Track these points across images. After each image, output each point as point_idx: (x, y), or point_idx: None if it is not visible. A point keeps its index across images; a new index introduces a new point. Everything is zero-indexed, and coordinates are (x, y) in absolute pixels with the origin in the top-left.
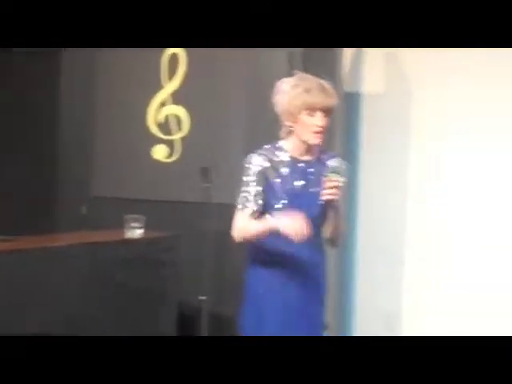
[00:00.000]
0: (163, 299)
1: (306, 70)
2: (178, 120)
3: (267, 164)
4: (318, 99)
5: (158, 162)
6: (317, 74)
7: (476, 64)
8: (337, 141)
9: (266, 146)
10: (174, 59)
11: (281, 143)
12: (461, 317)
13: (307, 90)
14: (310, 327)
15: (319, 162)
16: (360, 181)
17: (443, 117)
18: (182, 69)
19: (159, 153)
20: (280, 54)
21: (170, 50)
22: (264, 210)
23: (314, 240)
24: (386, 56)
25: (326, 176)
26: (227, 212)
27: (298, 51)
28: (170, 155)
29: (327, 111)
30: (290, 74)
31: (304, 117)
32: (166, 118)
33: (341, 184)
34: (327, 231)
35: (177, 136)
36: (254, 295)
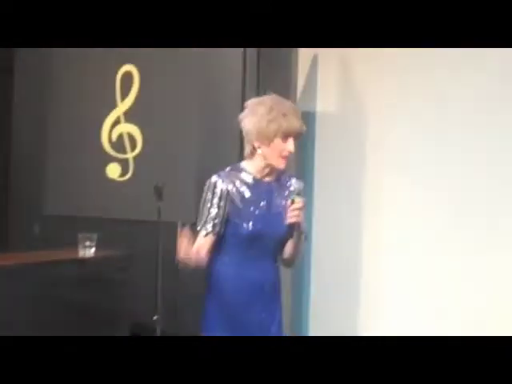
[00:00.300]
0: (116, 319)
1: (259, 88)
2: (132, 138)
3: (231, 187)
4: (294, 125)
5: (111, 181)
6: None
7: (435, 83)
8: (291, 158)
9: (227, 169)
10: (127, 77)
11: (243, 164)
12: (417, 328)
13: (284, 115)
14: None
15: (279, 183)
16: (314, 196)
17: (398, 134)
18: (135, 87)
19: (113, 171)
20: (233, 69)
21: (124, 68)
22: (230, 232)
23: (277, 261)
24: (341, 71)
25: (289, 199)
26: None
27: (253, 67)
28: (124, 174)
29: (298, 136)
30: (242, 93)
31: (277, 141)
32: (120, 136)
33: (303, 206)
34: (287, 252)
35: (130, 155)
36: (214, 320)
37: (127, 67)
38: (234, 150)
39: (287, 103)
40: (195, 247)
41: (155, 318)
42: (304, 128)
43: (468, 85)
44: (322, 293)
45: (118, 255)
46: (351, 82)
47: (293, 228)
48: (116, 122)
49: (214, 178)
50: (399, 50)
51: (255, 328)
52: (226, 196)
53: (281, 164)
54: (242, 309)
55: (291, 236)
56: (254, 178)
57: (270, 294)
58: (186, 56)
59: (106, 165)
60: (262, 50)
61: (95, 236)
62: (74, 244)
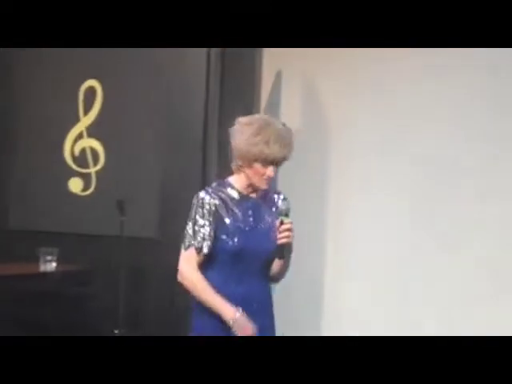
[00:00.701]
0: (77, 333)
1: (222, 105)
2: (94, 153)
3: (218, 202)
4: (274, 153)
5: (73, 195)
6: (232, 108)
7: (399, 99)
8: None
9: (214, 184)
10: (90, 92)
11: (230, 179)
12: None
13: (266, 142)
14: None
15: (266, 199)
16: None
17: (361, 148)
18: (98, 102)
19: (75, 186)
20: (196, 83)
21: (87, 83)
22: (217, 248)
23: (266, 278)
24: (304, 88)
25: (278, 218)
26: (141, 245)
27: (217, 81)
28: (86, 188)
29: (281, 163)
30: (205, 108)
31: (257, 166)
32: (83, 150)
33: (291, 225)
34: (274, 269)
35: (93, 169)
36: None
37: (90, 82)
38: (196, 164)
39: (275, 128)
40: (188, 276)
41: (116, 331)
42: (286, 154)
43: (431, 98)
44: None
45: (79, 270)
46: (315, 98)
47: (282, 247)
48: (79, 137)
49: (201, 194)
50: (362, 66)
51: None
52: (215, 212)
53: (263, 185)
54: (227, 326)
55: (279, 253)
56: (240, 194)
57: (259, 311)
58: (148, 70)
59: (68, 179)
60: (227, 65)
61: (56, 250)
62: (36, 258)
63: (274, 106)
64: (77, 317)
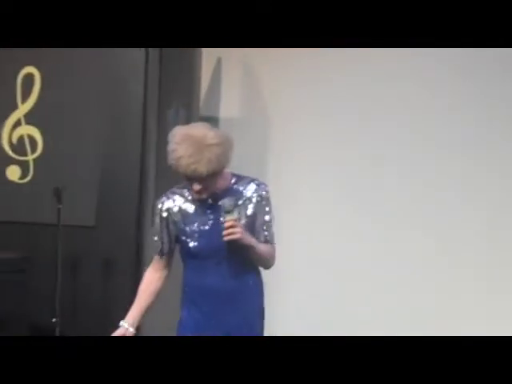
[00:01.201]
0: (14, 321)
1: (161, 92)
2: (32, 141)
3: (172, 206)
4: (187, 172)
5: (11, 183)
6: (170, 105)
7: (343, 84)
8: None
9: (175, 187)
10: (28, 79)
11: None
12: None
13: (177, 159)
14: None
15: (229, 192)
16: None
17: (303, 135)
18: (36, 89)
19: (12, 173)
20: (135, 70)
21: (25, 70)
22: (182, 250)
23: (239, 270)
24: (244, 75)
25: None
26: (78, 233)
27: (155, 68)
28: (24, 176)
29: (201, 178)
30: (144, 95)
31: (185, 178)
32: (20, 138)
33: (236, 221)
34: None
35: (30, 157)
36: (187, 327)
37: (28, 69)
38: (134, 152)
39: (191, 142)
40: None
41: (54, 320)
42: (201, 170)
43: (370, 88)
44: None
45: (16, 257)
46: (255, 84)
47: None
48: (17, 124)
49: (157, 201)
50: (303, 51)
51: (225, 332)
52: (167, 217)
53: (196, 196)
54: (210, 315)
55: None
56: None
57: (240, 298)
58: (87, 58)
59: (5, 167)
60: (166, 51)
61: None
62: None
63: (214, 96)
64: (14, 304)
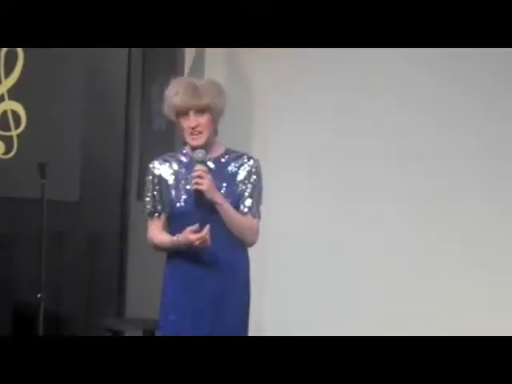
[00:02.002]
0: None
1: (145, 69)
2: (16, 116)
3: (163, 167)
4: (183, 101)
5: None
6: (154, 81)
7: (329, 78)
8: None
9: (168, 154)
10: (11, 55)
11: (186, 148)
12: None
13: (176, 93)
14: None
15: (220, 161)
16: None
17: (285, 124)
18: (19, 64)
19: None
20: (119, 54)
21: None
22: (171, 212)
23: (223, 238)
24: (228, 59)
25: (227, 179)
26: (62, 209)
27: (138, 53)
28: (8, 151)
29: (200, 111)
30: (127, 69)
31: (181, 120)
32: (4, 113)
33: (205, 173)
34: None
35: (14, 132)
36: (171, 295)
37: None
38: (118, 126)
39: (186, 81)
40: (151, 236)
41: (39, 295)
42: (200, 101)
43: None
44: None
45: (0, 233)
46: (239, 76)
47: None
48: (0, 99)
49: (149, 164)
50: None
51: (205, 308)
52: (158, 177)
53: (192, 141)
54: (191, 282)
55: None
56: (190, 157)
57: (223, 273)
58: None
59: None
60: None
61: None
62: None
63: (198, 70)
64: None
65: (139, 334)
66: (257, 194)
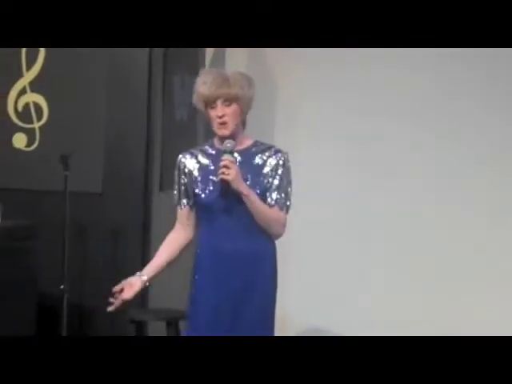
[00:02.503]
0: (22, 288)
1: (166, 60)
2: (38, 108)
3: (190, 160)
4: (211, 90)
5: (17, 151)
6: (176, 72)
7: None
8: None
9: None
10: (33, 48)
11: (214, 139)
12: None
13: (204, 83)
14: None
15: (247, 153)
16: None
17: (308, 126)
18: (41, 57)
19: (19, 141)
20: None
21: None
22: (197, 204)
23: (249, 230)
24: (249, 57)
25: (255, 172)
26: (85, 200)
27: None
28: (30, 144)
29: (227, 100)
30: (148, 60)
31: (209, 110)
32: (26, 106)
33: (232, 163)
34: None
35: (36, 124)
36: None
37: None
38: (141, 117)
39: (215, 72)
40: (175, 236)
41: (62, 286)
42: (228, 91)
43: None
44: None
45: (24, 225)
46: (260, 52)
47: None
48: (22, 92)
49: (179, 156)
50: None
51: (232, 299)
52: (184, 169)
53: (219, 131)
54: (218, 280)
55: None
56: (216, 149)
57: (249, 265)
58: None
59: (12, 135)
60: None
61: (1, 206)
62: None
63: (219, 60)
64: (22, 272)
65: (162, 323)
66: (284, 187)
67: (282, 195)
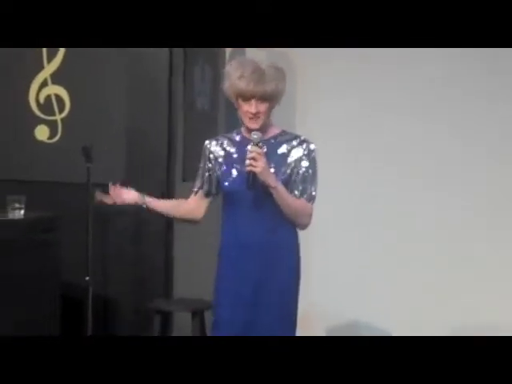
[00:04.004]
0: (47, 280)
1: (187, 50)
2: (60, 100)
3: (216, 147)
4: (249, 87)
5: (40, 143)
6: (197, 63)
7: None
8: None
9: (224, 134)
10: None
11: (242, 128)
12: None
13: (240, 77)
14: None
15: (273, 142)
16: None
17: (323, 121)
18: (62, 49)
19: (41, 133)
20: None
21: None
22: (221, 190)
23: (273, 221)
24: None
25: (279, 160)
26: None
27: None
28: (53, 136)
29: (262, 97)
30: (169, 55)
31: (241, 102)
32: (48, 98)
33: (259, 155)
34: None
35: (58, 116)
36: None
37: None
38: (162, 108)
39: (253, 64)
40: (184, 204)
41: (87, 278)
42: (265, 88)
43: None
44: None
45: (47, 217)
46: (278, 58)
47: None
48: (43, 84)
49: (205, 142)
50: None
51: (253, 288)
52: (209, 155)
53: (249, 124)
54: (239, 269)
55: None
56: (243, 136)
57: (272, 256)
58: None
59: (34, 127)
60: None
61: (24, 198)
62: (3, 206)
63: (239, 50)
64: (46, 264)
65: (188, 314)
66: (310, 177)
67: (309, 186)
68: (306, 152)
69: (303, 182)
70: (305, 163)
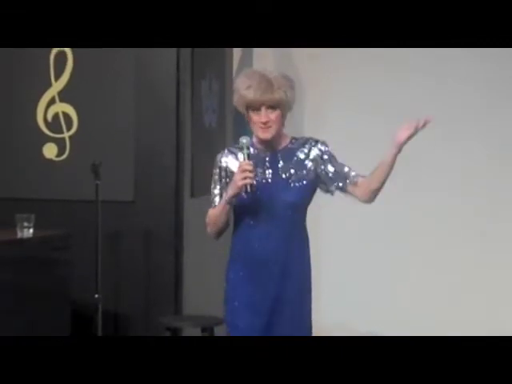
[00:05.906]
0: (56, 298)
1: (194, 65)
2: (67, 118)
3: (230, 159)
4: (256, 96)
5: (48, 161)
6: (204, 77)
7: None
8: None
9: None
10: (61, 57)
11: (253, 139)
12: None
13: (248, 88)
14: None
15: (288, 151)
16: None
17: (331, 121)
18: (68, 66)
19: (49, 151)
20: (167, 52)
21: (58, 48)
22: (236, 205)
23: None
24: (276, 60)
25: (299, 167)
26: (117, 209)
27: (186, 51)
28: (61, 153)
29: (272, 106)
30: (177, 73)
31: (251, 114)
32: (56, 115)
33: (249, 166)
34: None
35: (66, 134)
36: (234, 290)
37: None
38: (170, 125)
39: (259, 75)
40: (207, 220)
41: (97, 296)
42: (273, 96)
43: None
44: None
45: (56, 235)
46: (287, 55)
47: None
48: (51, 102)
49: (217, 156)
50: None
51: (267, 291)
52: (225, 169)
53: (261, 134)
54: (255, 281)
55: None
56: (256, 148)
57: (285, 267)
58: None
59: (42, 145)
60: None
61: (33, 216)
62: (13, 225)
63: (246, 64)
64: (56, 282)
65: (198, 331)
66: (340, 164)
67: (351, 169)
68: (323, 149)
69: (346, 170)
70: (326, 157)
